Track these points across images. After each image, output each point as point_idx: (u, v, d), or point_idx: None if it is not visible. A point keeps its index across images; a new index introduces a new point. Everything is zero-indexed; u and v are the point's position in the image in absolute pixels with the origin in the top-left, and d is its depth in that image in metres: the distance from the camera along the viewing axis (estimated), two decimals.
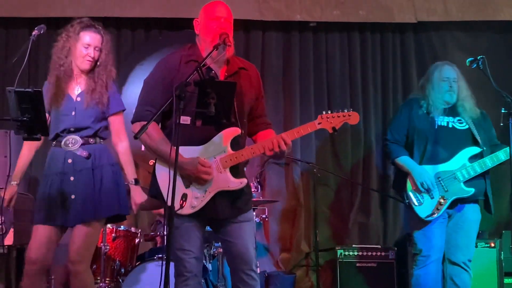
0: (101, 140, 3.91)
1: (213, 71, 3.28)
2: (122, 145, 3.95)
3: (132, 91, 5.90)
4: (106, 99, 3.87)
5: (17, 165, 3.89)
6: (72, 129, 3.79)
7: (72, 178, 3.76)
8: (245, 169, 3.55)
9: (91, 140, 3.85)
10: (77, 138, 3.80)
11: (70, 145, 3.77)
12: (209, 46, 3.25)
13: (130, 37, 6.22)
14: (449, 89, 4.40)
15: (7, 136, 4.81)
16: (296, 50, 6.28)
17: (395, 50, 6.36)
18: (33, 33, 3.76)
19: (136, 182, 3.93)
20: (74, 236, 3.76)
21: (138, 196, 3.93)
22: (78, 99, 3.83)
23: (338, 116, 3.34)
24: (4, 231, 4.24)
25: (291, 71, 6.24)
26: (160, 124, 3.39)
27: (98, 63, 3.88)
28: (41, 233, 3.74)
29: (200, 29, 3.38)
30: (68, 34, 3.85)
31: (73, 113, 3.80)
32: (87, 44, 3.83)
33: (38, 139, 3.46)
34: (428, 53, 6.32)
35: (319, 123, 3.33)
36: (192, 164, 3.18)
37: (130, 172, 3.95)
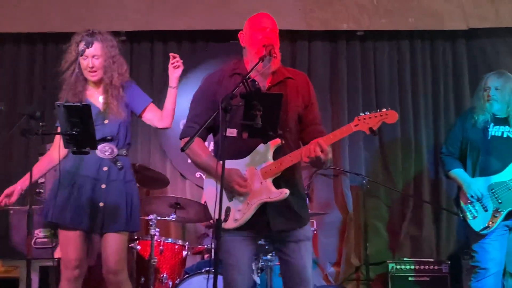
0: (127, 154, 3.96)
1: (257, 83, 3.27)
2: (163, 113, 3.96)
3: (179, 103, 5.89)
4: (123, 106, 3.87)
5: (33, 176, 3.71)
6: (109, 138, 3.83)
7: (103, 186, 3.79)
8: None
9: (124, 151, 3.90)
10: (114, 147, 3.85)
11: (106, 153, 3.81)
12: (254, 58, 3.26)
13: (176, 50, 6.28)
14: (490, 98, 4.35)
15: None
16: (343, 59, 6.27)
17: (446, 58, 6.29)
18: (82, 47, 3.83)
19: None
20: (109, 246, 3.79)
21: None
22: (105, 106, 3.87)
23: (375, 116, 3.25)
24: (54, 244, 4.31)
25: (338, 80, 6.23)
26: (207, 139, 3.42)
27: (103, 72, 3.87)
28: (74, 238, 3.78)
29: (246, 41, 3.39)
30: (71, 49, 3.87)
31: (106, 121, 3.85)
32: (85, 56, 3.82)
33: (87, 153, 3.52)
34: (480, 61, 6.23)
35: (355, 125, 3.26)
36: (230, 175, 3.19)
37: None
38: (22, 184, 3.84)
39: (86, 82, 3.92)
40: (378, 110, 3.26)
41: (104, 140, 3.82)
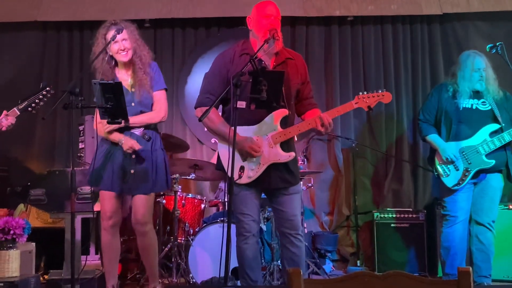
0: (155, 127, 3.95)
1: (263, 62, 3.29)
2: (154, 111, 3.89)
3: (196, 80, 5.97)
4: (149, 82, 3.87)
5: None
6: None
7: (133, 156, 3.82)
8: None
9: (151, 125, 3.90)
10: None
11: (135, 128, 3.83)
12: (260, 41, 3.27)
13: (193, 35, 6.26)
14: (480, 79, 4.32)
15: (94, 120, 4.92)
16: (336, 41, 6.21)
17: (423, 39, 6.23)
18: (113, 34, 3.82)
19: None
20: (137, 204, 3.85)
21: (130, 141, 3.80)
22: (133, 89, 3.86)
23: (373, 96, 3.32)
24: (93, 199, 4.36)
25: (331, 60, 6.18)
26: (219, 109, 3.43)
27: (133, 52, 3.87)
28: (109, 197, 3.84)
29: (253, 25, 3.39)
30: (98, 42, 3.84)
31: (132, 104, 3.83)
32: (116, 41, 3.80)
33: (119, 123, 3.55)
34: (453, 41, 6.17)
35: (356, 103, 3.32)
36: (245, 141, 3.22)
37: (136, 118, 3.80)
38: None
39: (115, 68, 3.91)
40: (375, 91, 3.32)
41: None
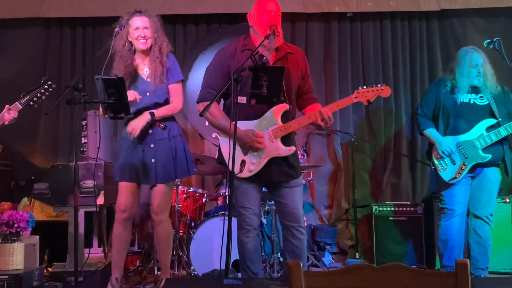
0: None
1: (264, 57, 3.28)
2: (173, 103, 3.91)
3: (197, 76, 5.95)
4: (165, 73, 3.88)
5: None
6: (150, 106, 3.84)
7: (152, 146, 3.84)
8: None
9: None
10: None
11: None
12: (261, 36, 3.26)
13: (194, 31, 6.24)
14: (478, 75, 4.30)
15: (96, 115, 4.92)
16: (335, 37, 6.19)
17: (422, 35, 6.21)
18: (115, 29, 3.82)
19: (152, 115, 3.80)
20: (155, 193, 3.89)
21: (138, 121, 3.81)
22: (149, 79, 3.86)
23: (372, 90, 3.31)
24: (96, 193, 4.36)
25: (331, 56, 6.17)
26: (220, 103, 3.42)
27: (153, 42, 3.88)
28: (126, 188, 3.87)
29: (253, 21, 3.38)
30: (121, 25, 3.86)
31: (148, 93, 3.85)
32: (136, 27, 3.84)
33: (122, 118, 3.54)
34: (451, 37, 6.16)
35: (355, 97, 3.31)
36: (247, 135, 3.21)
37: (160, 111, 3.85)
38: None
39: (133, 56, 3.90)
40: (375, 85, 3.30)
41: (147, 109, 3.84)
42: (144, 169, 3.83)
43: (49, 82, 3.67)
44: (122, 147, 3.92)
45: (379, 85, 3.32)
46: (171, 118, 3.93)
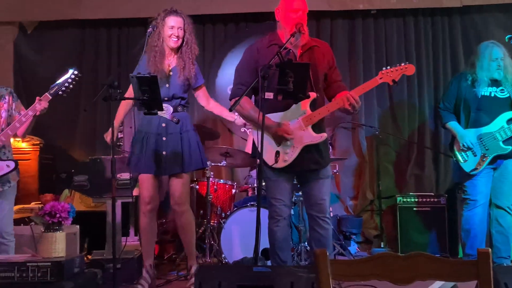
0: (185, 109, 4.00)
1: (291, 51, 3.28)
2: (211, 103, 4.14)
3: (226, 73, 5.99)
4: (194, 72, 3.94)
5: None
6: (166, 99, 3.86)
7: (164, 138, 3.87)
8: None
9: (179, 108, 3.94)
10: (169, 106, 3.89)
11: (164, 112, 3.85)
12: (287, 33, 3.26)
13: (222, 30, 6.27)
14: (498, 68, 4.26)
15: (131, 111, 4.98)
16: (359, 34, 6.15)
17: (444, 31, 6.13)
18: (148, 30, 3.87)
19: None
20: (174, 185, 3.92)
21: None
22: (171, 73, 3.90)
23: (396, 70, 3.25)
24: (131, 185, 4.42)
25: (355, 53, 6.13)
26: (251, 99, 3.44)
27: (184, 42, 3.92)
28: (147, 180, 3.90)
29: (280, 17, 3.38)
30: (157, 22, 3.91)
31: (167, 85, 3.89)
32: (171, 26, 3.88)
33: (155, 114, 3.58)
34: (472, 33, 6.07)
35: (380, 78, 3.25)
36: (276, 126, 3.22)
37: (226, 114, 4.13)
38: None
39: (165, 54, 3.94)
40: (398, 65, 3.24)
41: (163, 100, 3.86)
42: (157, 161, 3.85)
43: (75, 72, 3.74)
44: (137, 139, 3.93)
45: (403, 63, 3.26)
46: (183, 110, 3.97)
